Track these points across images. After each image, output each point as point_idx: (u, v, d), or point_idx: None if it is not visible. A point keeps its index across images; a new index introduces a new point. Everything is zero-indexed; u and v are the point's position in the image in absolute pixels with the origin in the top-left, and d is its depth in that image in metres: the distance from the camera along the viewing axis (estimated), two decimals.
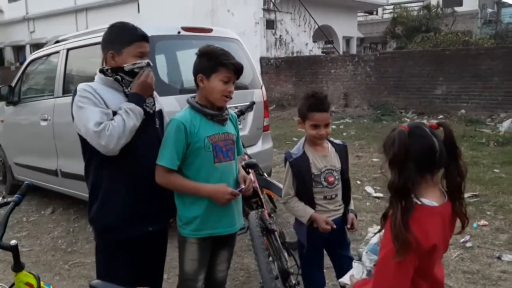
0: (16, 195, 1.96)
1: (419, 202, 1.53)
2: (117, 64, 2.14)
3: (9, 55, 30.59)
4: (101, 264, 2.27)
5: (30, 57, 5.78)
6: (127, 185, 2.14)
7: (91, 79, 2.25)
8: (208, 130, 2.15)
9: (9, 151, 5.90)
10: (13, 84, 5.62)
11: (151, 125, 2.23)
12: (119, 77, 2.14)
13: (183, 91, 4.24)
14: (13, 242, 1.83)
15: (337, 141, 2.59)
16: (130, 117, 2.05)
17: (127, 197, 2.14)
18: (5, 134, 5.95)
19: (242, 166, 2.95)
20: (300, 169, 2.43)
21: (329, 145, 2.52)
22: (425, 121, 10.71)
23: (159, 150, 2.13)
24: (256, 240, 2.44)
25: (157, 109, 2.29)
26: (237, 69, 2.15)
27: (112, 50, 2.14)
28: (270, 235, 2.84)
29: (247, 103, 3.94)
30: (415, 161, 1.52)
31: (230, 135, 2.24)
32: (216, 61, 2.10)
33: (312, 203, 2.44)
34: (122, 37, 2.14)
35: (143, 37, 2.16)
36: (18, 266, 1.88)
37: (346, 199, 2.54)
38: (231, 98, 2.18)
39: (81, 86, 2.11)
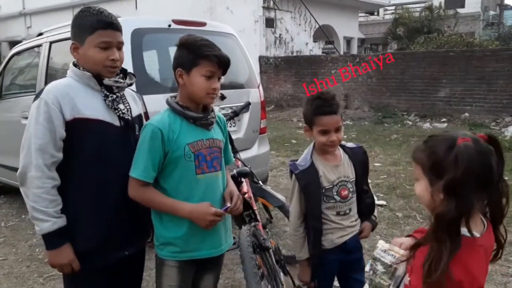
0: None
1: (468, 235, 1.23)
2: (81, 57, 1.80)
3: (5, 51, 30.18)
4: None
5: (12, 50, 5.44)
6: (99, 206, 1.80)
7: None
8: (189, 136, 1.83)
9: None
10: None
11: (131, 134, 1.90)
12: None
13: (175, 89, 3.92)
14: None
15: (351, 145, 2.24)
16: (34, 215, 1.72)
17: (99, 220, 1.81)
18: None
19: (233, 176, 2.64)
20: (308, 183, 2.10)
21: (341, 152, 2.18)
22: (428, 125, 10.44)
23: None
24: (247, 263, 2.11)
25: (136, 113, 1.96)
26: (222, 62, 1.82)
27: (74, 40, 1.81)
28: (264, 253, 2.52)
29: (242, 104, 3.60)
30: (477, 185, 1.21)
31: (216, 142, 1.91)
32: (196, 53, 1.78)
33: (319, 221, 2.11)
34: (84, 24, 1.78)
35: (108, 24, 1.77)
36: None
37: (366, 212, 2.23)
38: (216, 95, 1.85)
39: (48, 93, 1.74)
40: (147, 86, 3.56)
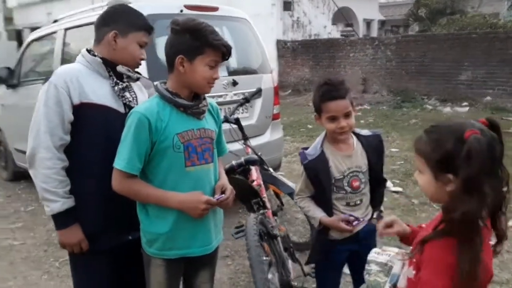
0: None
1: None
2: (117, 47, 1.89)
3: (28, 37, 30.59)
4: (78, 276, 2.00)
5: (29, 37, 5.51)
6: (102, 190, 1.83)
7: None
8: (179, 126, 1.72)
9: (10, 136, 5.67)
10: (13, 66, 5.38)
11: None
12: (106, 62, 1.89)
13: None
14: None
15: (366, 132, 2.12)
16: (44, 196, 1.81)
17: (102, 204, 1.87)
18: (5, 119, 5.72)
19: (241, 163, 2.62)
20: (318, 173, 2.03)
21: (354, 140, 2.08)
22: (448, 109, 10.22)
23: None
24: (252, 251, 2.11)
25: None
26: (228, 52, 1.74)
27: (116, 29, 1.89)
28: (272, 240, 2.51)
29: (253, 90, 3.56)
30: (488, 176, 1.20)
31: (208, 132, 1.81)
32: (203, 41, 1.67)
33: (330, 211, 2.06)
34: (131, 20, 1.93)
35: (150, 29, 1.97)
36: None
37: (377, 203, 2.16)
38: (213, 84, 1.78)
39: (58, 77, 1.81)
40: (159, 71, 3.53)
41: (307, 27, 15.98)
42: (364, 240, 2.07)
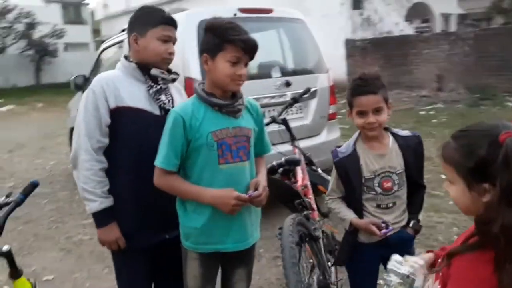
0: (17, 195, 1.82)
1: None
2: (140, 48, 1.93)
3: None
4: (117, 272, 2.11)
5: (101, 46, 5.90)
6: (139, 190, 1.92)
7: None
8: (213, 124, 1.76)
9: None
10: (88, 74, 5.80)
11: None
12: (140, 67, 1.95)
13: None
14: (5, 247, 1.69)
15: (405, 133, 2.05)
16: (84, 195, 1.91)
17: (139, 204, 1.94)
18: None
19: (281, 164, 2.61)
20: (348, 171, 1.99)
21: (391, 139, 2.01)
22: None
23: None
24: (286, 253, 2.07)
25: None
26: (248, 47, 1.72)
27: (135, 31, 1.95)
28: (315, 243, 2.47)
29: (301, 91, 3.52)
30: None
31: (244, 130, 1.82)
32: (222, 37, 1.70)
33: (360, 213, 2.00)
34: (148, 18, 1.96)
35: (171, 20, 1.96)
36: (14, 273, 1.73)
37: (414, 210, 2.04)
38: (243, 82, 1.77)
39: (96, 82, 1.92)
40: None
41: (377, 25, 15.52)
42: (396, 247, 1.97)
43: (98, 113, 1.87)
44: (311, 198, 2.77)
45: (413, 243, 2.09)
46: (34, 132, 10.80)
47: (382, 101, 1.90)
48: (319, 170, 3.13)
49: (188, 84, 3.64)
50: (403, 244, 1.98)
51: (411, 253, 2.01)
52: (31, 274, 3.47)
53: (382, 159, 1.98)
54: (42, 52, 25.81)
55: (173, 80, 2.04)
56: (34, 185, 1.87)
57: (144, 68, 1.94)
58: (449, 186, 1.24)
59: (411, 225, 1.99)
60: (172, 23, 1.96)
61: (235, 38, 1.70)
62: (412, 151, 2.00)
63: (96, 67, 5.81)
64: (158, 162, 1.77)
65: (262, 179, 1.89)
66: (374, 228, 1.91)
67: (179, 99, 2.06)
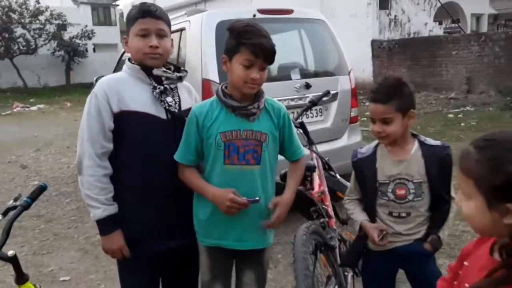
0: (25, 199, 1.80)
1: None
2: (130, 50, 1.86)
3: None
4: (121, 278, 2.04)
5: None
6: (143, 197, 1.85)
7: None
8: (224, 125, 1.78)
9: None
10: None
11: (179, 128, 1.87)
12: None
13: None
14: (10, 252, 1.66)
15: (433, 142, 1.91)
16: (87, 202, 1.84)
17: (143, 211, 1.87)
18: None
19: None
20: (364, 173, 1.95)
21: (415, 147, 1.90)
22: None
23: None
24: (298, 263, 1.98)
25: (188, 106, 1.93)
26: (260, 52, 1.68)
27: (126, 34, 1.88)
28: (331, 252, 2.38)
29: (320, 93, 3.43)
30: None
31: (256, 134, 1.80)
32: (237, 40, 1.71)
33: (373, 218, 1.94)
34: (128, 17, 1.86)
35: (146, 12, 1.81)
36: (20, 278, 1.71)
37: (433, 223, 1.90)
38: (258, 85, 1.75)
39: (99, 86, 1.83)
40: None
41: (405, 25, 15.22)
42: (409, 260, 1.88)
43: (101, 118, 1.79)
44: (328, 205, 2.67)
45: (431, 259, 1.97)
46: (61, 131, 11.03)
47: (391, 112, 1.81)
48: (338, 176, 3.03)
49: (206, 86, 3.60)
50: (416, 258, 1.89)
51: (429, 269, 1.92)
52: (48, 274, 3.51)
53: (400, 165, 1.89)
54: (72, 53, 26.41)
55: (180, 79, 1.93)
56: (42, 189, 1.85)
57: (147, 69, 1.85)
58: (463, 201, 1.11)
59: (428, 240, 1.86)
60: (151, 14, 1.81)
61: (247, 42, 1.69)
62: (437, 161, 1.86)
63: (118, 67, 5.85)
64: (176, 155, 1.85)
65: (283, 203, 1.87)
66: (374, 234, 1.85)
67: (188, 98, 1.98)
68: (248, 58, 1.69)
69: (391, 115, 1.81)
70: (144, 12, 1.81)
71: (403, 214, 1.90)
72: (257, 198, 1.79)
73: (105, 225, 1.84)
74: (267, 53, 1.71)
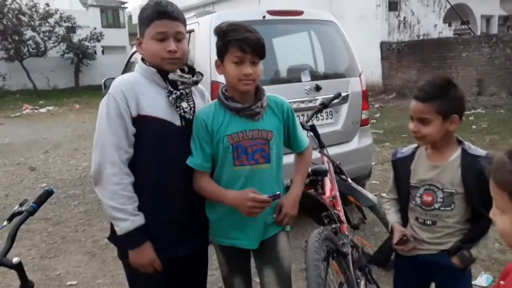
0: (31, 204, 1.76)
1: None
2: (144, 52, 1.76)
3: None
4: (132, 284, 1.94)
5: (133, 48, 5.91)
6: (155, 204, 1.76)
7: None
8: (230, 127, 1.78)
9: None
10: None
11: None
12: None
13: (274, 81, 3.87)
14: (15, 259, 1.61)
15: (478, 152, 1.76)
16: (112, 214, 1.68)
17: (152, 217, 1.75)
18: None
19: (307, 174, 2.46)
20: (399, 173, 1.93)
21: (456, 154, 1.77)
22: None
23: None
24: (310, 271, 1.92)
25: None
26: (246, 45, 1.67)
27: (139, 35, 1.79)
28: (343, 259, 2.31)
29: (331, 96, 3.37)
30: None
31: (262, 133, 1.80)
32: (224, 40, 1.71)
33: (405, 221, 1.92)
34: (142, 17, 1.75)
35: (163, 14, 1.69)
36: (25, 286, 1.66)
37: (467, 238, 1.78)
38: (253, 81, 1.73)
39: (116, 88, 1.71)
40: None
41: (415, 27, 15.10)
42: (433, 271, 1.81)
43: (123, 121, 1.68)
44: (339, 210, 2.61)
45: (465, 275, 1.86)
46: (70, 133, 11.07)
47: (430, 113, 1.71)
48: (349, 180, 2.97)
49: (215, 88, 3.55)
50: (441, 270, 1.81)
51: (462, 285, 1.85)
52: (55, 278, 3.48)
53: (433, 171, 1.81)
54: (80, 55, 26.56)
55: (195, 83, 1.85)
56: (48, 194, 1.80)
57: (162, 71, 1.75)
58: (497, 215, 1.03)
59: (458, 254, 1.76)
60: (168, 16, 1.70)
61: (231, 39, 1.69)
62: (476, 173, 1.67)
63: (127, 69, 5.82)
64: (188, 161, 1.80)
65: (288, 201, 1.87)
66: (396, 238, 1.83)
67: (202, 103, 1.91)
68: (237, 55, 1.69)
69: (429, 116, 1.71)
70: (160, 14, 1.70)
71: (428, 222, 1.83)
72: (278, 193, 1.78)
73: (134, 238, 1.69)
74: (254, 46, 1.69)
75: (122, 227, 1.66)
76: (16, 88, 24.80)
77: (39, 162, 7.91)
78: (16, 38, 24.07)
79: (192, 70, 1.88)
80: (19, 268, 1.62)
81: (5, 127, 12.94)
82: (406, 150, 1.94)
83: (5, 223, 1.69)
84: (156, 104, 1.74)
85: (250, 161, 1.79)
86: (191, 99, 1.84)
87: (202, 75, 1.90)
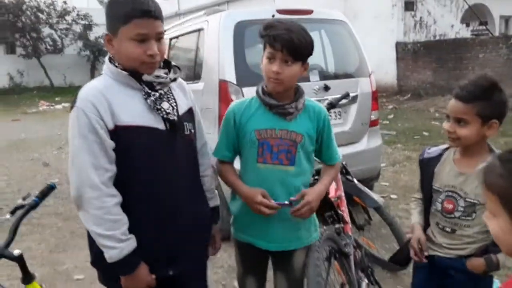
0: (33, 198, 1.79)
1: None
2: (116, 51, 1.53)
3: None
4: None
5: None
6: (140, 218, 1.56)
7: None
8: (260, 123, 1.79)
9: None
10: None
11: (179, 137, 1.63)
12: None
13: None
14: (16, 252, 1.65)
15: None
16: (99, 242, 1.50)
17: (138, 233, 1.55)
18: None
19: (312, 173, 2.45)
20: (425, 173, 1.87)
21: (485, 163, 1.71)
22: None
23: (192, 164, 1.74)
24: (310, 270, 1.92)
25: (185, 109, 1.69)
26: (278, 43, 1.68)
27: (108, 30, 1.54)
28: (346, 260, 2.30)
29: (339, 95, 3.34)
30: None
31: (292, 134, 1.78)
32: (261, 35, 1.76)
33: (428, 223, 1.88)
34: (117, 11, 1.50)
35: (145, 12, 1.46)
36: (26, 278, 1.70)
37: (487, 250, 1.70)
38: (278, 79, 1.71)
39: (83, 100, 1.49)
40: (248, 78, 3.54)
41: (431, 27, 14.90)
42: (451, 277, 1.78)
43: (97, 137, 1.47)
44: (344, 211, 2.60)
45: (486, 283, 1.80)
46: None
47: (469, 114, 1.64)
48: (355, 180, 2.95)
49: (223, 87, 3.56)
50: (456, 275, 1.77)
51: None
52: (63, 272, 3.52)
53: (459, 178, 1.74)
54: (97, 53, 26.86)
55: (173, 80, 1.66)
56: (50, 188, 1.84)
57: (134, 73, 1.54)
58: (489, 219, 1.03)
59: (485, 256, 1.69)
60: (149, 15, 1.48)
61: (266, 35, 1.73)
62: None
63: None
64: (214, 151, 1.89)
65: (313, 191, 1.81)
66: (414, 242, 1.82)
67: (184, 99, 1.71)
68: (269, 51, 1.71)
69: (468, 117, 1.65)
70: (142, 12, 1.47)
71: (448, 229, 1.79)
72: (286, 202, 1.74)
73: (125, 264, 1.52)
74: (285, 45, 1.68)
75: (111, 255, 1.49)
76: (34, 85, 25.19)
77: (52, 158, 8.02)
78: (34, 35, 24.43)
79: (167, 64, 1.67)
80: (20, 260, 1.66)
81: (21, 123, 13.16)
82: (433, 150, 1.88)
83: (8, 216, 1.73)
84: (133, 110, 1.53)
85: (274, 160, 1.79)
86: (172, 97, 1.64)
87: (180, 69, 1.71)
